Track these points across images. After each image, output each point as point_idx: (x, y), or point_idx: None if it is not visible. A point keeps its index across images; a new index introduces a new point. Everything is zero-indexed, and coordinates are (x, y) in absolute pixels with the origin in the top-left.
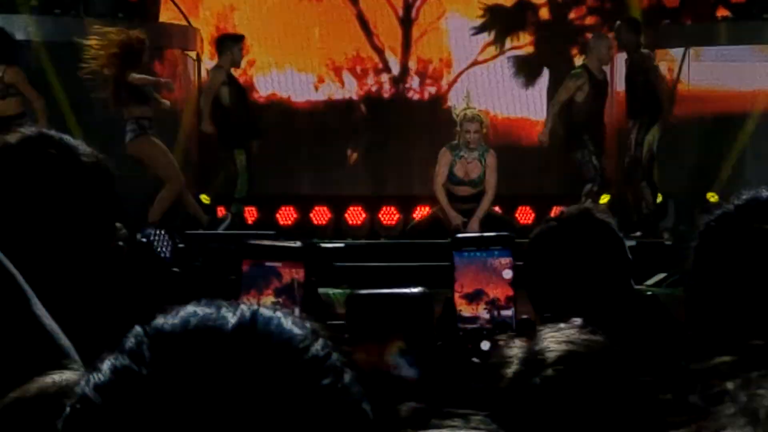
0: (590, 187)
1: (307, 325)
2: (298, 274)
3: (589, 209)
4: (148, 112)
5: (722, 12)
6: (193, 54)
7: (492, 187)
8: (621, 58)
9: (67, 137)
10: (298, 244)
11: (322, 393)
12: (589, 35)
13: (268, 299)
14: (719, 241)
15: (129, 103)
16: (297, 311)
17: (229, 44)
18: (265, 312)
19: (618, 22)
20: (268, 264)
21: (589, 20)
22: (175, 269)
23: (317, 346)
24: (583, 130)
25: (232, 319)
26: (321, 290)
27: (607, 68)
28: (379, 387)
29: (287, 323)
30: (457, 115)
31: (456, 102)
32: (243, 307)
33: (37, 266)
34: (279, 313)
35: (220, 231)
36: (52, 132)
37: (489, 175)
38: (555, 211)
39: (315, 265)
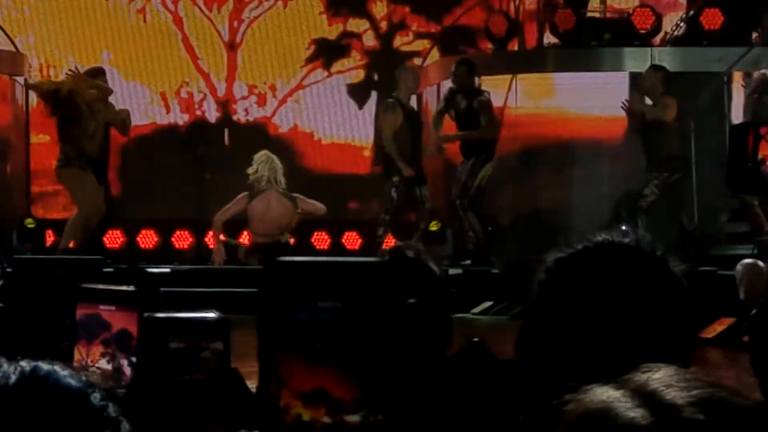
0: (383, 216)
1: (84, 378)
2: (132, 320)
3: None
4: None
5: (550, 39)
6: (20, 79)
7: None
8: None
9: None
10: (133, 288)
11: None
12: (410, 62)
13: (98, 350)
14: (564, 282)
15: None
16: (131, 360)
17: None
18: (44, 367)
19: (456, 64)
20: (102, 307)
21: (416, 45)
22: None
23: (95, 398)
24: (396, 158)
25: (13, 376)
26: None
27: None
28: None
29: (65, 378)
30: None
31: (281, 124)
32: (23, 363)
33: None
34: (57, 368)
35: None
36: None
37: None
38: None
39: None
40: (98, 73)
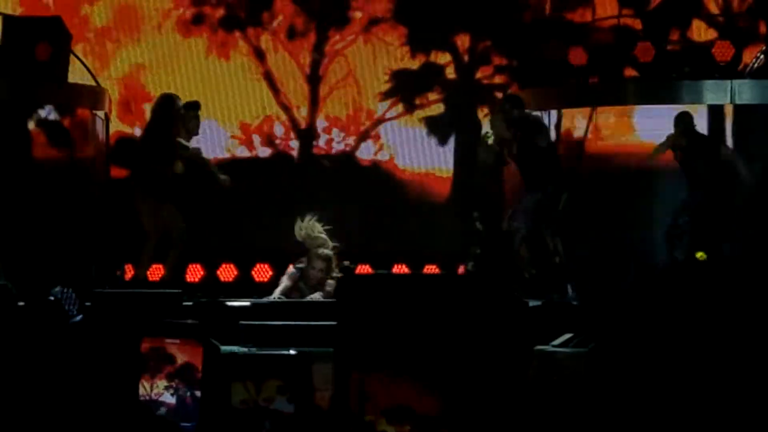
0: (473, 249)
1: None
2: (197, 354)
3: None
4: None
5: (630, 72)
6: (101, 114)
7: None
8: None
9: None
10: (197, 322)
11: None
12: (498, 94)
13: (162, 383)
14: (629, 311)
15: None
16: (195, 393)
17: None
18: None
19: (503, 100)
20: (167, 341)
21: (498, 79)
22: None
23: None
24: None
25: None
26: (226, 349)
27: None
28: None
29: None
30: (304, 237)
31: (363, 156)
32: None
33: None
34: None
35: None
36: None
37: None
38: (462, 269)
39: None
40: (196, 107)
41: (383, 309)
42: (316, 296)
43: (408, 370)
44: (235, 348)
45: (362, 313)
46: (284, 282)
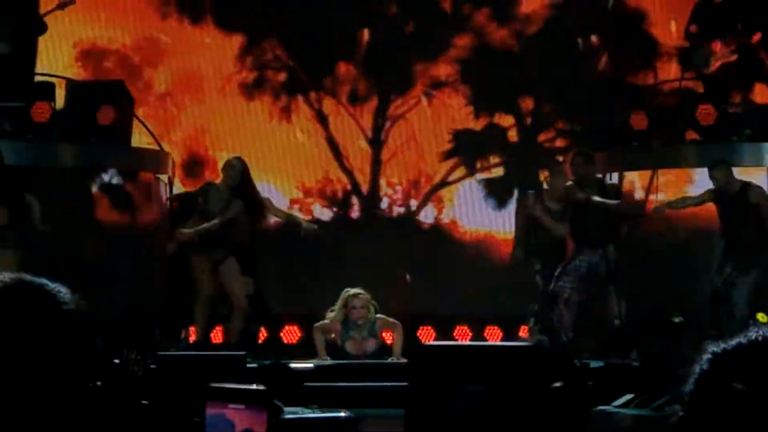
0: (531, 307)
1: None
2: (260, 420)
3: None
4: None
5: (691, 135)
6: (164, 177)
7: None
8: None
9: (46, 283)
10: (263, 387)
11: None
12: (559, 158)
13: None
14: (729, 376)
15: None
16: None
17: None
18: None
19: (573, 155)
20: (231, 406)
21: (559, 142)
22: (144, 401)
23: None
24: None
25: None
26: (289, 409)
27: None
28: None
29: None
30: (343, 298)
31: (425, 219)
32: None
33: (18, 414)
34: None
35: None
36: (31, 278)
37: (395, 341)
38: (523, 331)
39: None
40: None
41: (451, 376)
42: (371, 346)
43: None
44: (298, 409)
45: (431, 379)
46: (320, 338)
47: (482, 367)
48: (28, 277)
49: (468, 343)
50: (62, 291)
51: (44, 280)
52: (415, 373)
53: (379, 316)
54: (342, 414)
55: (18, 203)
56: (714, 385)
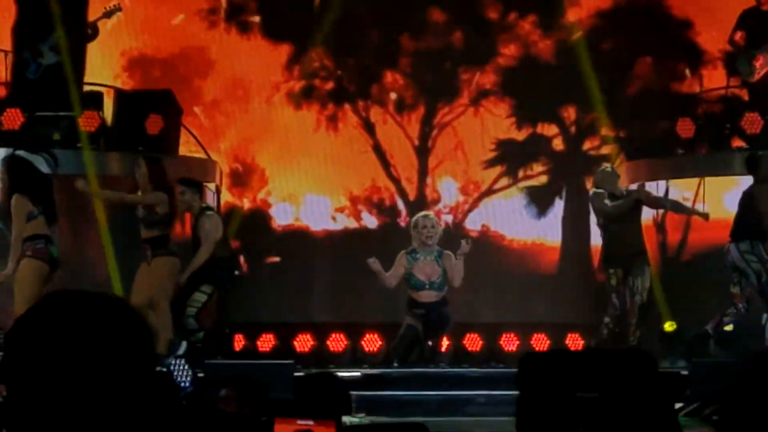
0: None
1: None
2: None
3: None
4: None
5: (738, 143)
6: (212, 185)
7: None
8: None
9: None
10: (329, 401)
11: None
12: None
13: None
14: (748, 395)
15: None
16: None
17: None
18: None
19: (597, 171)
20: (300, 422)
21: (604, 150)
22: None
23: None
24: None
25: None
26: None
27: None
28: None
29: None
30: (412, 222)
31: (472, 227)
32: None
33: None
34: None
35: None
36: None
37: (453, 276)
38: (570, 338)
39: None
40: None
41: (561, 384)
42: (437, 273)
43: None
44: (346, 419)
45: (542, 388)
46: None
47: (596, 373)
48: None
49: (580, 350)
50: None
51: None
52: (528, 381)
53: (446, 251)
54: (412, 420)
55: (55, 212)
56: (748, 386)
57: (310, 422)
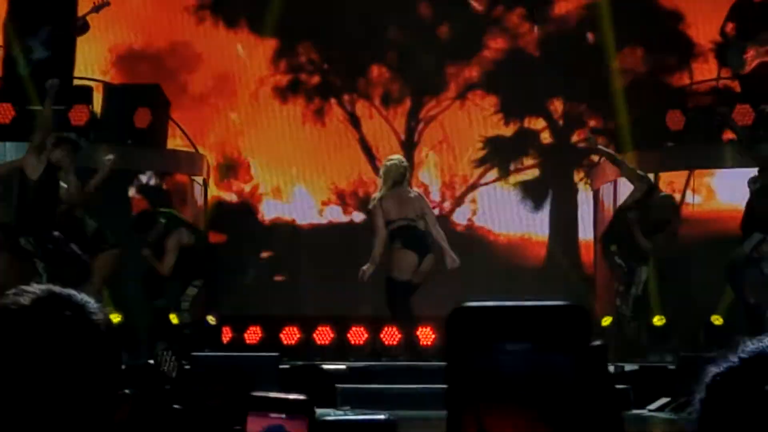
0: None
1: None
2: (301, 429)
3: None
4: None
5: (728, 135)
6: (199, 179)
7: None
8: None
9: (75, 294)
10: (303, 397)
11: None
12: (595, 158)
13: None
14: (726, 401)
15: None
16: None
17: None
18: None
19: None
20: (272, 415)
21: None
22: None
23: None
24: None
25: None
26: (321, 411)
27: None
28: None
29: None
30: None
31: (459, 221)
32: None
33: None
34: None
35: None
36: (60, 290)
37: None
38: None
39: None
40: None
41: (494, 341)
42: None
43: (523, 402)
44: (330, 411)
45: (471, 344)
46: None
47: (525, 326)
48: (57, 288)
49: (509, 303)
50: (90, 302)
51: (72, 291)
52: (455, 333)
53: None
54: (381, 416)
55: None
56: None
57: (283, 416)
